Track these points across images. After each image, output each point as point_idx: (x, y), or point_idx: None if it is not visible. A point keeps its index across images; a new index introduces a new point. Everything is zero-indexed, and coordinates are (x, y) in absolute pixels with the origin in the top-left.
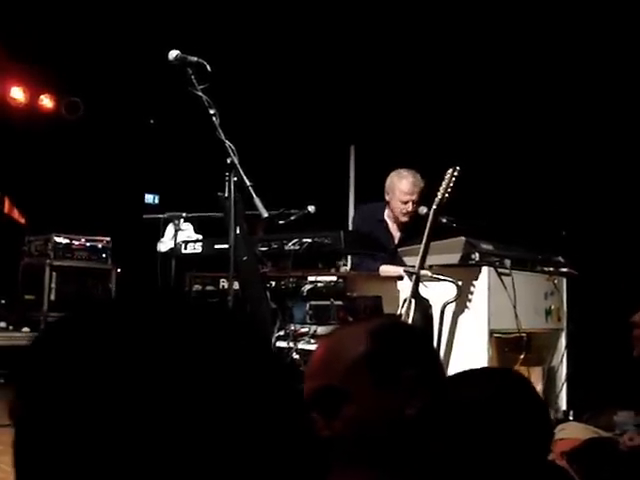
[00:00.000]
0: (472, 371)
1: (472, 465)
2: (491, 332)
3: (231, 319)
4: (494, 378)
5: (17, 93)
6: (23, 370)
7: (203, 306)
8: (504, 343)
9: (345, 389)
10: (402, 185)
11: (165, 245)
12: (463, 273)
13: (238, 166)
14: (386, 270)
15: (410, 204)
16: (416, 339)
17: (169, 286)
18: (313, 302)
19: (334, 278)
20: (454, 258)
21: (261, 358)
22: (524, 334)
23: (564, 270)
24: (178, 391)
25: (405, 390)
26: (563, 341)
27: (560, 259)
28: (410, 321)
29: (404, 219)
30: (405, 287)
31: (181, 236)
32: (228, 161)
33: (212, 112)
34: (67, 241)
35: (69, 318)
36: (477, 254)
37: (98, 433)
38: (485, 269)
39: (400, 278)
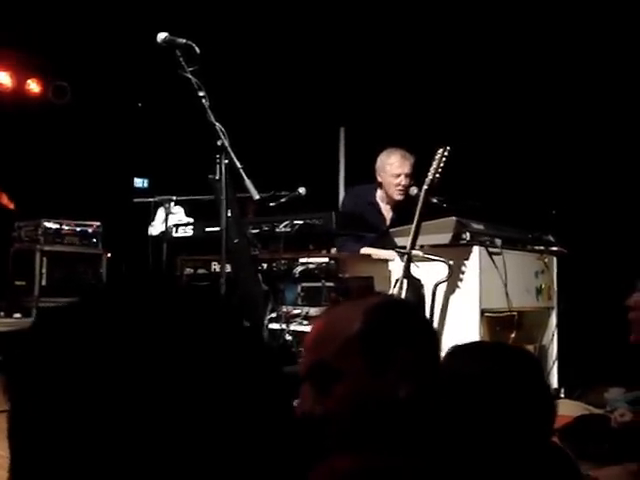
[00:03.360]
0: (473, 344)
1: (471, 442)
2: (482, 311)
3: (219, 305)
4: (496, 352)
5: (4, 78)
6: (17, 356)
7: (191, 291)
8: (495, 322)
9: (337, 367)
10: (391, 159)
11: (156, 229)
12: (454, 253)
13: (229, 148)
14: (366, 252)
15: (402, 177)
16: (413, 319)
17: (159, 272)
18: (305, 284)
19: (325, 259)
20: (445, 238)
21: (248, 343)
22: (515, 313)
23: (554, 249)
24: (168, 377)
25: (398, 371)
26: (554, 319)
27: (550, 238)
28: None
29: (399, 197)
30: (397, 267)
31: (172, 219)
32: (218, 143)
33: (201, 94)
34: (57, 226)
35: (63, 307)
36: (468, 234)
37: (90, 418)
38: (476, 249)
39: (386, 259)
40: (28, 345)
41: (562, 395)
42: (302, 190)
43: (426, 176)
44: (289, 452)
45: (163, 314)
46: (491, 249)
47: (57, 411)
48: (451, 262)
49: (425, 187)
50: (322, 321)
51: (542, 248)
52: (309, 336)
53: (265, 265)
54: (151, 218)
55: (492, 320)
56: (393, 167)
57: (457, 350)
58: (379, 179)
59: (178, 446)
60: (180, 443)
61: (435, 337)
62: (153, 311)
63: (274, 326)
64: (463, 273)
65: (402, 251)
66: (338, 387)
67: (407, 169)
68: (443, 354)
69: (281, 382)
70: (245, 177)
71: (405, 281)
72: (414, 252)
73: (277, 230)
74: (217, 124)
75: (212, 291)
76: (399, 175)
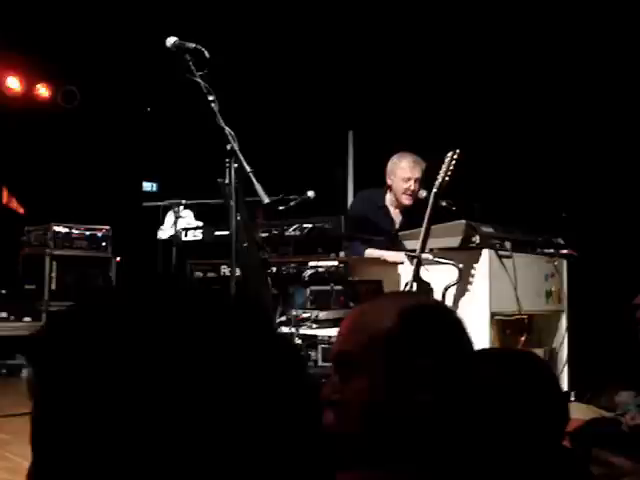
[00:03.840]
0: (488, 350)
1: (483, 446)
2: (492, 314)
3: (236, 306)
4: (511, 359)
5: (13, 83)
6: (38, 355)
7: (207, 293)
8: (505, 325)
9: (359, 360)
10: (403, 163)
11: (165, 232)
12: (464, 256)
13: (238, 152)
14: (370, 253)
15: (412, 183)
16: (446, 328)
17: (172, 274)
18: (314, 287)
19: (335, 263)
20: (455, 241)
21: (268, 344)
22: (525, 316)
23: (564, 252)
24: (182, 380)
25: (416, 378)
26: (564, 322)
27: (560, 241)
28: None
29: (407, 201)
30: (406, 271)
31: (181, 223)
32: (228, 147)
33: (211, 98)
34: (66, 230)
35: (77, 307)
36: (478, 237)
37: (107, 417)
38: (486, 252)
39: (395, 263)
40: (51, 347)
41: (572, 398)
42: (311, 194)
43: (435, 179)
44: (312, 459)
45: (179, 316)
46: (501, 252)
47: (82, 413)
48: (461, 265)
49: (435, 190)
50: (359, 310)
51: (552, 251)
52: (344, 322)
53: (274, 269)
54: (160, 222)
55: (502, 323)
56: (404, 171)
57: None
58: (389, 182)
59: (197, 450)
60: (197, 446)
61: (465, 346)
62: (168, 312)
63: (283, 330)
64: (473, 276)
65: (412, 254)
66: (357, 379)
67: (417, 174)
68: None
69: (304, 382)
70: (255, 181)
71: (414, 285)
72: (424, 255)
73: (286, 234)
74: (226, 128)
75: (227, 293)
76: (409, 179)
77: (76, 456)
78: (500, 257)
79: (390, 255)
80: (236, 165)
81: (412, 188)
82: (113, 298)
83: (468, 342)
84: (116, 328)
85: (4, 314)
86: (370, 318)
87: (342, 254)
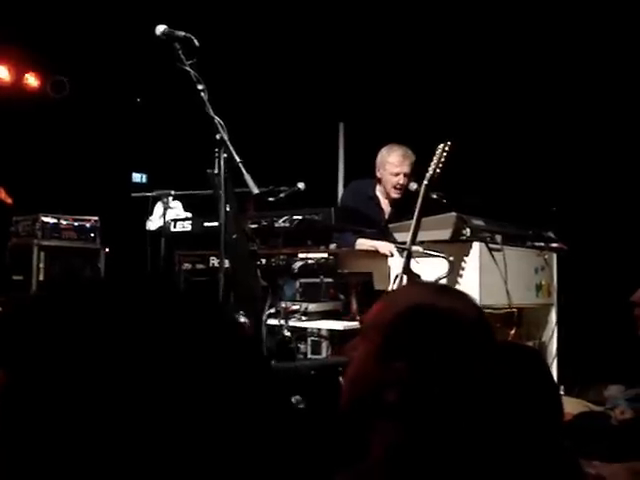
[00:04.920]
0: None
1: (478, 441)
2: (482, 307)
3: (208, 305)
4: (506, 352)
5: (2, 72)
6: (5, 339)
7: (180, 292)
8: (495, 318)
9: (365, 332)
10: (391, 157)
11: (154, 223)
12: (454, 249)
13: (228, 142)
14: (362, 243)
15: (401, 177)
16: (444, 334)
17: (153, 269)
18: (303, 279)
19: (324, 255)
20: (445, 234)
21: (236, 343)
22: (515, 309)
23: (554, 245)
24: (158, 373)
25: (387, 378)
26: (554, 316)
27: (550, 235)
28: None
29: (395, 195)
30: (396, 263)
31: (170, 214)
32: (217, 137)
33: (200, 88)
34: (55, 221)
35: (54, 294)
36: (468, 230)
37: (79, 408)
38: (476, 245)
39: (385, 255)
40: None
41: (561, 392)
42: (301, 185)
43: (426, 171)
44: (283, 451)
45: (154, 313)
46: (491, 245)
47: (46, 409)
48: (451, 258)
49: (425, 182)
50: (400, 288)
51: (542, 245)
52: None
53: (264, 260)
54: (149, 213)
55: (492, 316)
56: (392, 166)
57: None
58: (378, 175)
59: (164, 446)
60: (166, 442)
61: (465, 360)
62: (145, 309)
63: (273, 322)
64: (463, 269)
65: (402, 247)
66: (360, 347)
67: (406, 168)
68: None
69: (271, 381)
70: (244, 171)
71: (405, 277)
72: (414, 248)
73: (276, 225)
74: (216, 118)
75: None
76: (398, 174)
77: (36, 453)
78: (490, 250)
79: (381, 245)
80: (225, 155)
81: (401, 182)
82: (78, 287)
83: (480, 347)
84: (72, 318)
85: None
86: (390, 305)
87: (332, 246)
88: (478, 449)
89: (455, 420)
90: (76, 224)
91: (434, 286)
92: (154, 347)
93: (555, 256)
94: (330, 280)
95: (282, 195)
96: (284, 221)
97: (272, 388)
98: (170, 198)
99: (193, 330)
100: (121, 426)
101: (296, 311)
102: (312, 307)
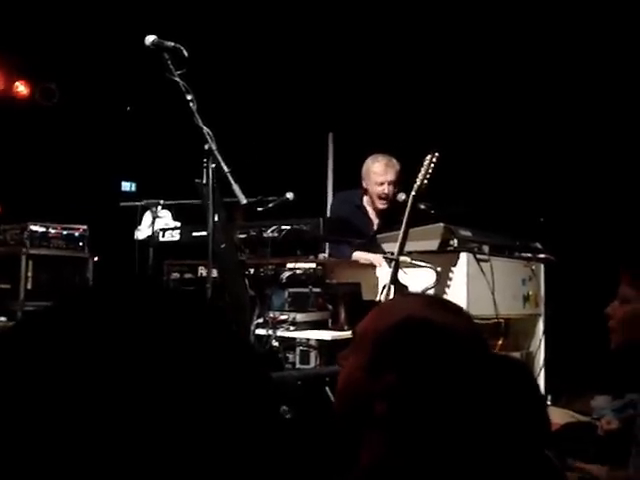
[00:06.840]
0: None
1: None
2: None
3: (205, 309)
4: (493, 365)
5: None
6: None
7: (177, 296)
8: (482, 329)
9: (358, 341)
10: (375, 167)
11: (143, 233)
12: (442, 259)
13: (216, 152)
14: (358, 257)
15: (385, 186)
16: (436, 348)
17: (145, 276)
18: (292, 289)
19: (313, 265)
20: (433, 244)
21: (234, 346)
22: (502, 320)
23: (542, 256)
24: (151, 379)
25: (379, 388)
26: (541, 326)
27: (538, 245)
28: None
29: (381, 205)
30: (384, 273)
31: (159, 224)
32: (206, 147)
33: (189, 98)
34: (43, 229)
35: (50, 308)
36: (456, 240)
37: (71, 420)
38: (464, 255)
39: (373, 265)
40: (12, 347)
41: (548, 402)
42: (290, 195)
43: (414, 182)
44: (275, 454)
45: (149, 317)
46: (479, 256)
47: (38, 416)
48: (438, 268)
49: (413, 193)
50: (395, 298)
51: (529, 255)
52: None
53: (252, 270)
54: (138, 222)
55: (479, 327)
56: (376, 175)
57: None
58: (364, 185)
59: (164, 445)
60: (166, 442)
61: (458, 377)
62: (139, 313)
63: (261, 332)
64: (450, 280)
65: (390, 257)
66: (352, 357)
67: (390, 177)
68: None
69: (266, 384)
70: (232, 181)
71: (392, 287)
72: (402, 258)
73: (264, 235)
74: (205, 128)
75: (199, 295)
76: (382, 184)
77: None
78: (478, 261)
79: (377, 259)
80: (214, 165)
81: (386, 192)
82: (79, 302)
83: (472, 363)
84: (79, 331)
85: None
86: (384, 311)
87: (321, 256)
88: (463, 462)
89: (441, 433)
90: (65, 233)
91: (429, 298)
92: (154, 349)
93: (542, 267)
94: (318, 290)
95: (271, 205)
96: (272, 231)
97: (267, 391)
98: (159, 207)
99: (194, 333)
100: (120, 426)
101: (284, 321)
102: (300, 317)
